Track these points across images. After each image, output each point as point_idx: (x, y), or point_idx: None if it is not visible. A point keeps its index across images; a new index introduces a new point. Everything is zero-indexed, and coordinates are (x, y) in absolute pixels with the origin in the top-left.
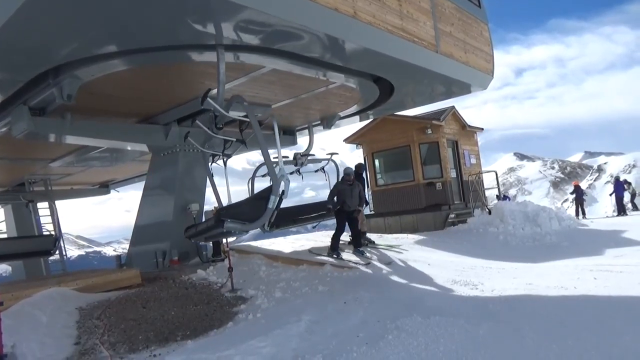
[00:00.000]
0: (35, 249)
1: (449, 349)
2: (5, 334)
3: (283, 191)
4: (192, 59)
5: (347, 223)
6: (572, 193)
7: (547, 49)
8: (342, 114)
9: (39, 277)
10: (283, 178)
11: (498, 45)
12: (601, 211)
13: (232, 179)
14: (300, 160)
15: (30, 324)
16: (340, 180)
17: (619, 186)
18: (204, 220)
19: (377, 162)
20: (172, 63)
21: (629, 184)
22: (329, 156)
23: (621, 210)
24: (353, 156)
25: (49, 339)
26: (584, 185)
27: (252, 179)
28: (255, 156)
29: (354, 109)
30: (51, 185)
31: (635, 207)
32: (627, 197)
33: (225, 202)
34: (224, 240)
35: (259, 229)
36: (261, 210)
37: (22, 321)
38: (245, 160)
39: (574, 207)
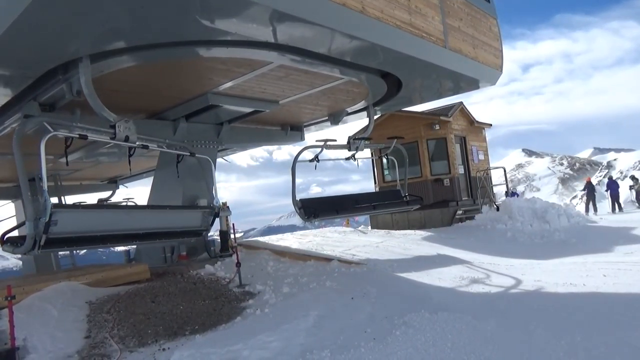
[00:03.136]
0: None
1: (457, 345)
2: (17, 327)
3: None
4: (200, 55)
5: None
6: (583, 189)
7: (553, 44)
8: (349, 110)
9: (49, 271)
10: (45, 202)
11: (504, 40)
12: (609, 208)
13: (237, 174)
14: (355, 144)
15: (41, 318)
16: None
17: (613, 185)
18: None
19: (384, 157)
20: (180, 59)
21: (636, 179)
22: (391, 141)
23: (614, 207)
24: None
25: (60, 332)
26: (593, 181)
27: (293, 166)
28: (259, 152)
29: (361, 104)
30: (60, 180)
31: None
32: (633, 194)
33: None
34: (232, 236)
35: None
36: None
37: (33, 315)
38: (249, 156)
39: (584, 203)
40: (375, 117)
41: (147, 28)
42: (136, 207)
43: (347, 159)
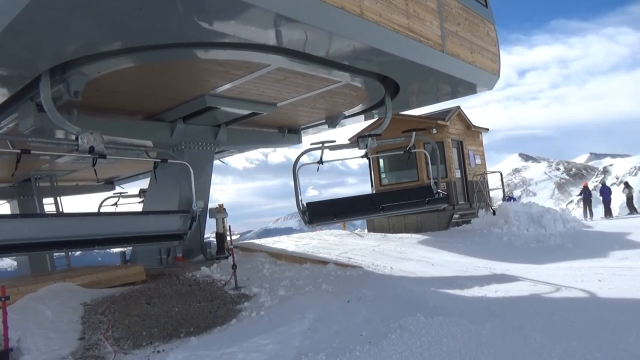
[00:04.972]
0: None
1: (452, 349)
2: (11, 328)
3: None
4: (198, 57)
5: None
6: (580, 194)
7: (549, 49)
8: (347, 113)
9: (44, 272)
10: None
11: (500, 45)
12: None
13: (234, 177)
14: (365, 141)
15: (35, 319)
16: None
17: (605, 191)
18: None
19: (381, 161)
20: (178, 60)
21: (629, 186)
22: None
23: (607, 213)
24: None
25: (54, 333)
26: (590, 187)
27: (294, 170)
28: (254, 154)
29: (358, 108)
30: (57, 181)
31: (633, 210)
32: (624, 200)
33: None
34: (228, 238)
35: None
36: None
37: (27, 316)
38: (245, 158)
39: (581, 208)
40: (373, 120)
41: (145, 29)
42: (92, 214)
43: (362, 157)
